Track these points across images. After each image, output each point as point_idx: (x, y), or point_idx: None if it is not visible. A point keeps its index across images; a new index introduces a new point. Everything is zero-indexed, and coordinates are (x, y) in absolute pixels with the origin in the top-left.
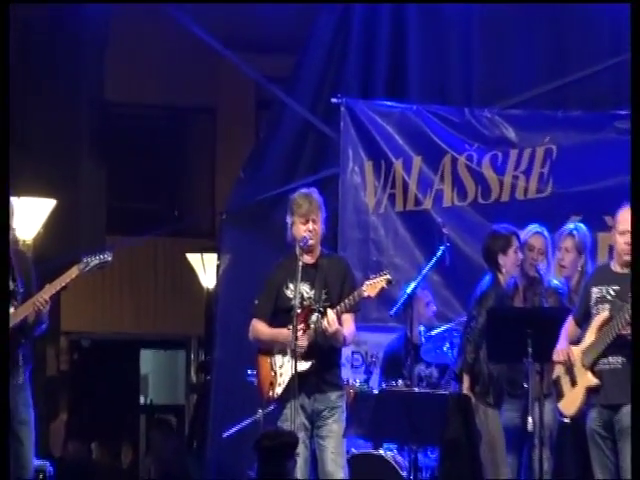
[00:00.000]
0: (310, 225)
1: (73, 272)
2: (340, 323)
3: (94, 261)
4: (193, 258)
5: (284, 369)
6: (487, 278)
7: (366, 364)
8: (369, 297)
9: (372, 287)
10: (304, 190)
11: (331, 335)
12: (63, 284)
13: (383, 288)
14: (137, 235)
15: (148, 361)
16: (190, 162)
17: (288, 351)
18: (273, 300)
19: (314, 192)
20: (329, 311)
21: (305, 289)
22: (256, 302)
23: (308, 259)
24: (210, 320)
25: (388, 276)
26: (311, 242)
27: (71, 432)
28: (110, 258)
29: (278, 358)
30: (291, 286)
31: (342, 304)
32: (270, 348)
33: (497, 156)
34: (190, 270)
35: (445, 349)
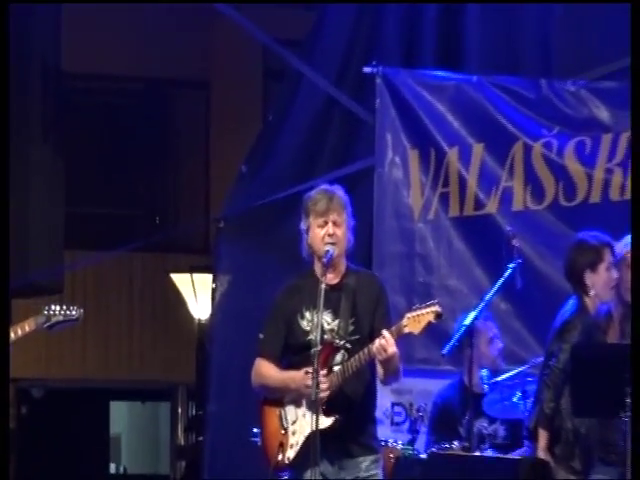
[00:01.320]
0: (330, 228)
1: (27, 326)
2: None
3: (57, 317)
4: (180, 280)
5: (298, 426)
6: (571, 303)
7: (410, 420)
8: (411, 334)
9: (415, 322)
10: (324, 186)
11: (386, 360)
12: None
13: (430, 323)
14: (105, 249)
15: (120, 417)
16: (176, 152)
17: (304, 402)
18: (283, 333)
19: (338, 189)
20: (384, 330)
21: (326, 319)
22: (261, 336)
23: (330, 278)
24: (203, 362)
25: (437, 308)
26: (334, 251)
27: None
28: (78, 316)
29: (290, 411)
30: (308, 315)
31: (393, 328)
32: (279, 398)
33: (584, 143)
34: (177, 296)
35: (515, 399)
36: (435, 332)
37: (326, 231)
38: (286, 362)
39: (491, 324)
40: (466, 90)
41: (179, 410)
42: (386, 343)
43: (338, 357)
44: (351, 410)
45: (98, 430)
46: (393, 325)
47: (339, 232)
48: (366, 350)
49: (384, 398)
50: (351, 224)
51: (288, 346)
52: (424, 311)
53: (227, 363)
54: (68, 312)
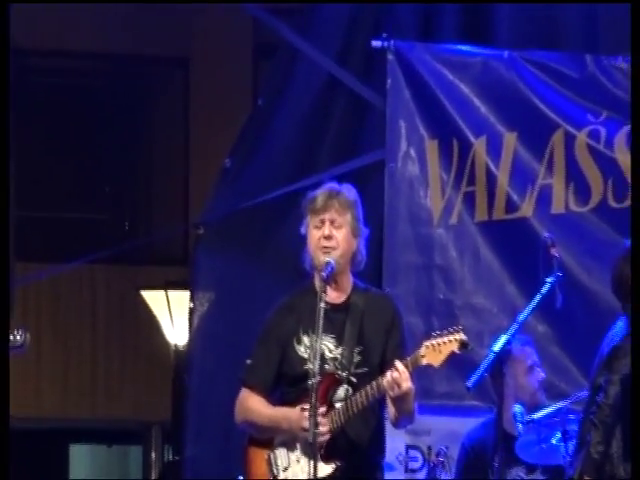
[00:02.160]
0: (327, 228)
1: None
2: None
3: None
4: (153, 298)
5: (291, 473)
6: (620, 325)
7: (429, 466)
8: (430, 366)
9: (435, 352)
10: (330, 184)
11: (400, 398)
12: None
13: (453, 354)
14: (64, 261)
15: (82, 463)
16: (149, 144)
17: (298, 445)
18: (276, 360)
19: (346, 188)
20: (397, 361)
21: (328, 345)
22: (248, 362)
23: (333, 296)
24: (180, 398)
25: (462, 335)
26: (334, 263)
27: None
28: (22, 342)
29: (281, 455)
30: (306, 340)
31: (409, 359)
32: (268, 438)
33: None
34: (149, 317)
35: (555, 442)
36: (459, 360)
37: (322, 233)
38: (278, 395)
39: (530, 350)
40: (495, 68)
41: (152, 454)
42: (399, 377)
43: (341, 392)
44: (354, 455)
45: (55, 479)
46: (409, 356)
47: (338, 234)
48: (375, 384)
49: (397, 440)
50: (364, 233)
51: (281, 376)
52: (446, 339)
53: (208, 398)
54: (11, 337)
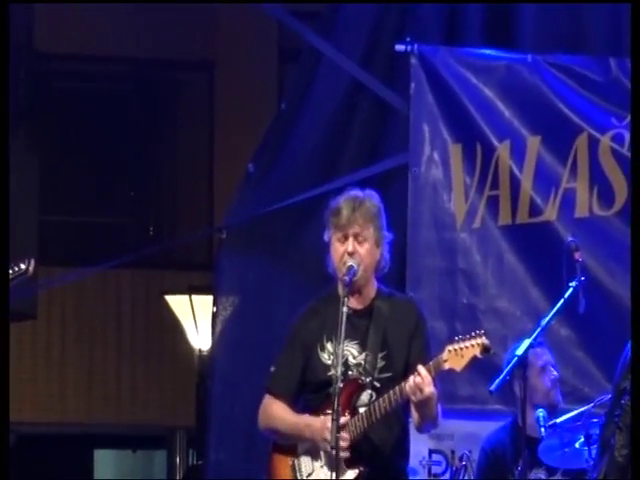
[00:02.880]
0: (350, 245)
1: None
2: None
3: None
4: (177, 302)
5: (315, 479)
6: None
7: (452, 470)
8: (452, 371)
9: (458, 356)
10: (354, 192)
11: (422, 402)
12: None
13: (475, 358)
14: (88, 266)
15: (106, 468)
16: (174, 149)
17: (321, 453)
18: (300, 368)
19: (370, 196)
20: (420, 366)
21: (352, 351)
22: (273, 369)
23: (356, 302)
24: (204, 402)
25: (485, 340)
26: (357, 268)
27: None
28: (27, 268)
29: (305, 462)
30: (329, 346)
31: (432, 363)
32: (292, 445)
33: None
34: (173, 322)
35: (578, 445)
36: (482, 365)
37: (345, 248)
38: (302, 402)
39: (542, 350)
40: (519, 71)
41: (177, 459)
42: (422, 381)
43: (364, 397)
44: (378, 461)
45: None
46: (432, 363)
47: (362, 249)
48: (397, 389)
49: (420, 445)
50: (387, 238)
51: (305, 383)
52: (468, 343)
53: (232, 403)
54: (15, 268)
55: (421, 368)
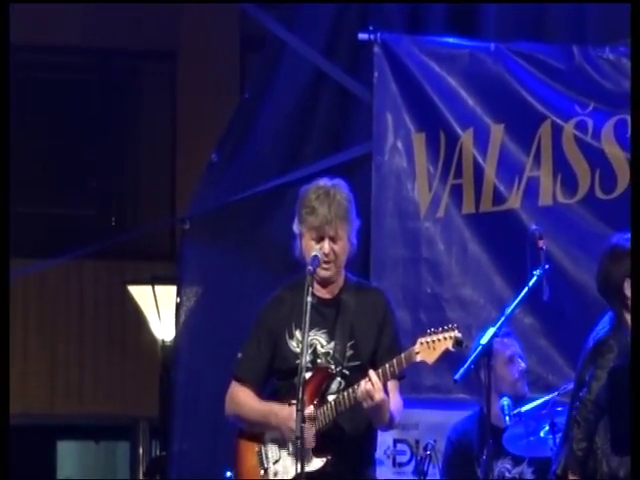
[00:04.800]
0: (327, 245)
1: None
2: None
3: None
4: (140, 293)
5: (281, 466)
6: (606, 319)
7: (417, 460)
8: (424, 363)
9: (430, 349)
10: (323, 182)
11: (373, 409)
12: None
13: (447, 351)
14: (50, 257)
15: (69, 460)
16: (136, 139)
17: (288, 442)
18: (267, 355)
19: (339, 186)
20: (371, 372)
21: (320, 340)
22: (240, 356)
23: (324, 291)
24: (167, 393)
25: (457, 333)
26: (327, 272)
27: None
28: None
29: (272, 449)
30: (298, 334)
31: (380, 370)
32: (259, 432)
33: (625, 122)
34: (135, 312)
35: (543, 434)
36: (447, 354)
37: (321, 247)
38: (270, 389)
39: (510, 340)
40: (483, 60)
41: (140, 450)
42: (372, 388)
43: (334, 386)
44: (346, 449)
45: (42, 476)
46: (403, 350)
47: (337, 248)
48: (351, 391)
49: (385, 434)
50: (355, 225)
51: (273, 370)
52: (441, 336)
53: (195, 393)
54: None
55: (372, 373)
